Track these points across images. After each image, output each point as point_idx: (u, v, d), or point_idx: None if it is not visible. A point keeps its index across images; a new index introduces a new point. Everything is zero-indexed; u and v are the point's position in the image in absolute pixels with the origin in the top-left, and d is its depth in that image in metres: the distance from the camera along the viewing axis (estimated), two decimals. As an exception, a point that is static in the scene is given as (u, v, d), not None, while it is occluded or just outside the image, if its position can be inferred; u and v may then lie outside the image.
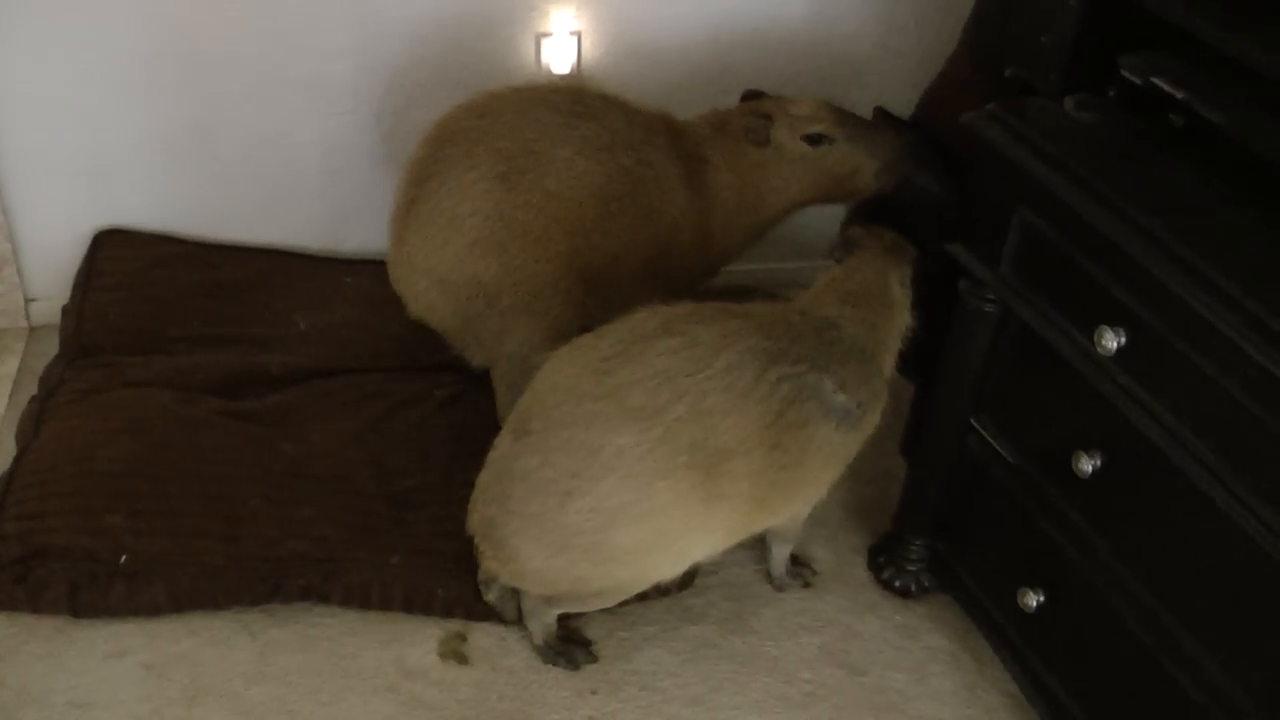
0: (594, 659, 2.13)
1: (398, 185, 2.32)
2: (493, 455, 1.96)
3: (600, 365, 1.87)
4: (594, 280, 2.27)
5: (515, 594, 2.12)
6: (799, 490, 2.00)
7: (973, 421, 2.02)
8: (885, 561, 2.30)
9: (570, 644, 2.13)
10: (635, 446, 1.82)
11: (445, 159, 2.23)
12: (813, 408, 1.89)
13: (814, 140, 2.32)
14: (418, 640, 2.14)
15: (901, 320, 2.06)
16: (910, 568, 2.26)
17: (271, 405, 2.46)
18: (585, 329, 2.02)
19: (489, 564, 1.99)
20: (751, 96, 2.43)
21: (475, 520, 1.98)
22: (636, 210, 2.28)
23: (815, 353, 1.92)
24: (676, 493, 1.84)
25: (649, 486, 1.83)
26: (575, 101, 2.29)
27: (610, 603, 2.06)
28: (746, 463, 1.87)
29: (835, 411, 1.92)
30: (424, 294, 2.32)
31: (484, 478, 1.97)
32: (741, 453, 1.86)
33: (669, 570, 2.00)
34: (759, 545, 2.30)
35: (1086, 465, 1.75)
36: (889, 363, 2.04)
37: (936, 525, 2.20)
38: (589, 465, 1.83)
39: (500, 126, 2.23)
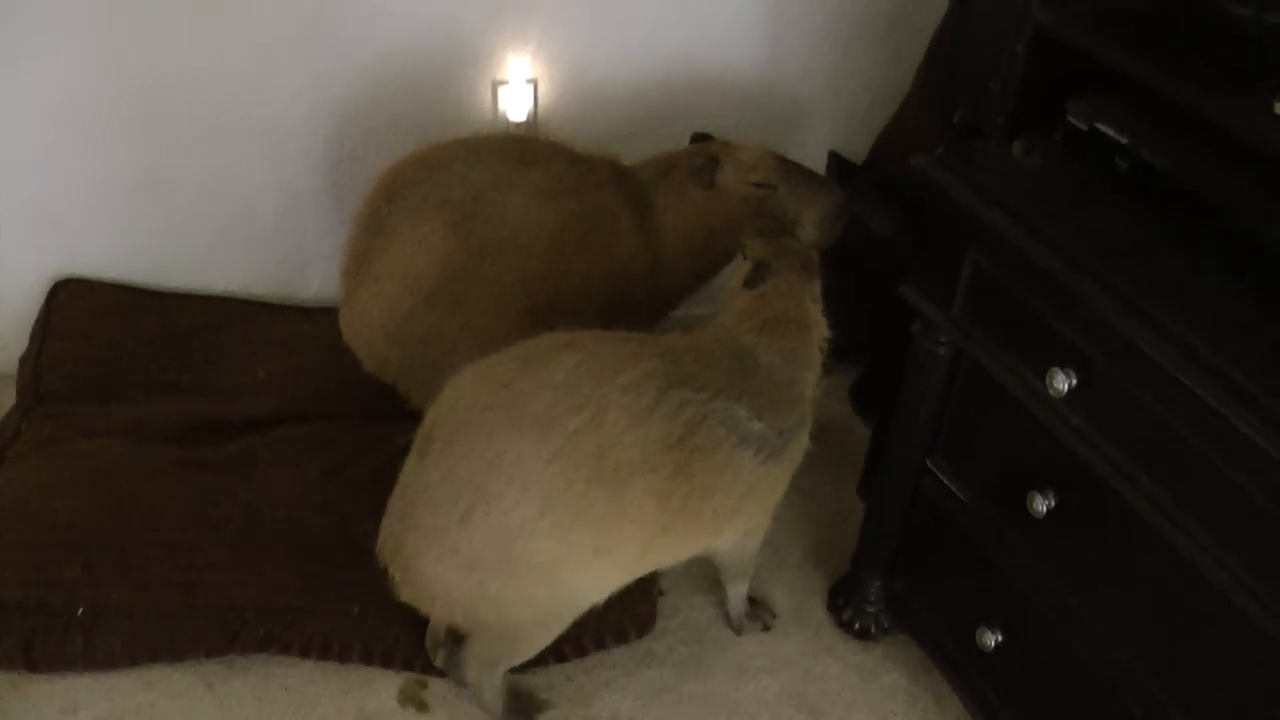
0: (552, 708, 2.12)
1: (346, 240, 2.31)
2: (400, 477, 1.92)
3: (501, 377, 1.85)
4: (549, 326, 2.27)
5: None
6: (720, 520, 1.96)
7: (928, 462, 2.03)
8: (844, 603, 2.30)
9: (525, 699, 2.11)
10: (535, 456, 1.78)
11: (397, 212, 2.22)
12: (722, 434, 1.87)
13: (757, 187, 2.33)
14: (378, 687, 2.13)
15: (818, 336, 2.05)
16: (869, 608, 2.27)
17: (229, 453, 2.45)
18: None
19: (401, 590, 1.93)
20: (700, 139, 2.45)
21: (382, 543, 1.93)
22: (589, 254, 2.29)
23: (727, 380, 1.90)
24: (580, 507, 1.80)
25: (552, 498, 1.79)
26: (523, 149, 2.30)
27: (542, 642, 2.00)
28: (651, 482, 1.83)
29: (752, 440, 1.90)
30: (378, 348, 2.30)
31: (391, 500, 1.93)
32: (644, 470, 1.82)
33: (583, 593, 1.94)
34: (717, 588, 2.30)
35: (1040, 505, 1.76)
36: (811, 382, 2.03)
37: (894, 566, 2.21)
38: (490, 476, 1.79)
39: (451, 178, 2.23)
